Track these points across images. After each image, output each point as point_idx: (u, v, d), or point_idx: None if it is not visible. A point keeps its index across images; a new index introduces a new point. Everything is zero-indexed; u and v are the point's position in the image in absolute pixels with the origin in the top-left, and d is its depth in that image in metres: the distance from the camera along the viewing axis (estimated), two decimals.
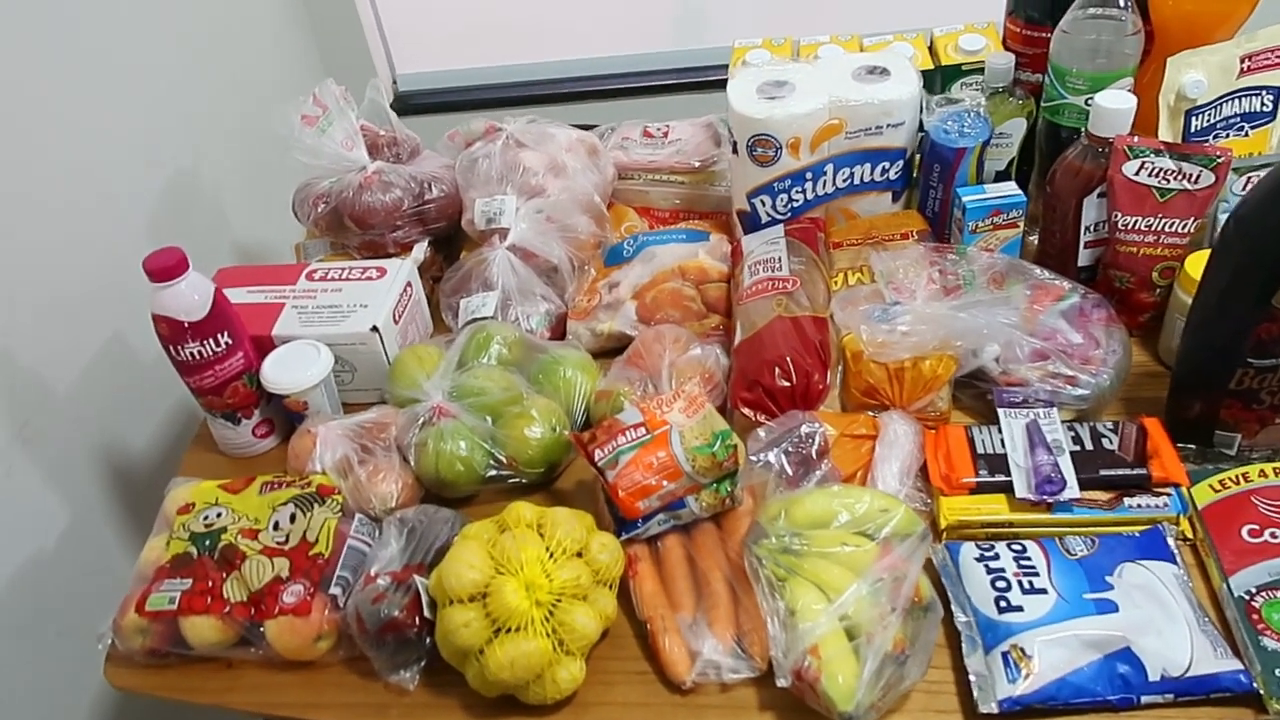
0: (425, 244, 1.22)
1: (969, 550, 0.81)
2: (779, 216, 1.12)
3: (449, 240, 1.27)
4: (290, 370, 1.00)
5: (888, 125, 1.06)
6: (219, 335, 0.96)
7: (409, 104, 2.01)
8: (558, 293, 1.14)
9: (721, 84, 1.14)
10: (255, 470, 0.97)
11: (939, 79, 1.16)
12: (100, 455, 1.22)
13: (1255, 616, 0.74)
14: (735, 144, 1.08)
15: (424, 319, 1.16)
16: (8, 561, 1.07)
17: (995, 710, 0.71)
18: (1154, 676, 0.71)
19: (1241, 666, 0.72)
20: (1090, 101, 0.99)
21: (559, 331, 1.13)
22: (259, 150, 1.60)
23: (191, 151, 1.44)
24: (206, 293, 0.95)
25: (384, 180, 1.18)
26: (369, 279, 1.10)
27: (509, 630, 0.75)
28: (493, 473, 0.94)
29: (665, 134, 1.29)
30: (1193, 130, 1.01)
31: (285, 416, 1.04)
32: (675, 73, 1.85)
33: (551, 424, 0.94)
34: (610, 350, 1.07)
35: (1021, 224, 1.04)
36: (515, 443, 0.93)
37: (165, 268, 0.91)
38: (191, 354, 0.96)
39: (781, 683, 0.72)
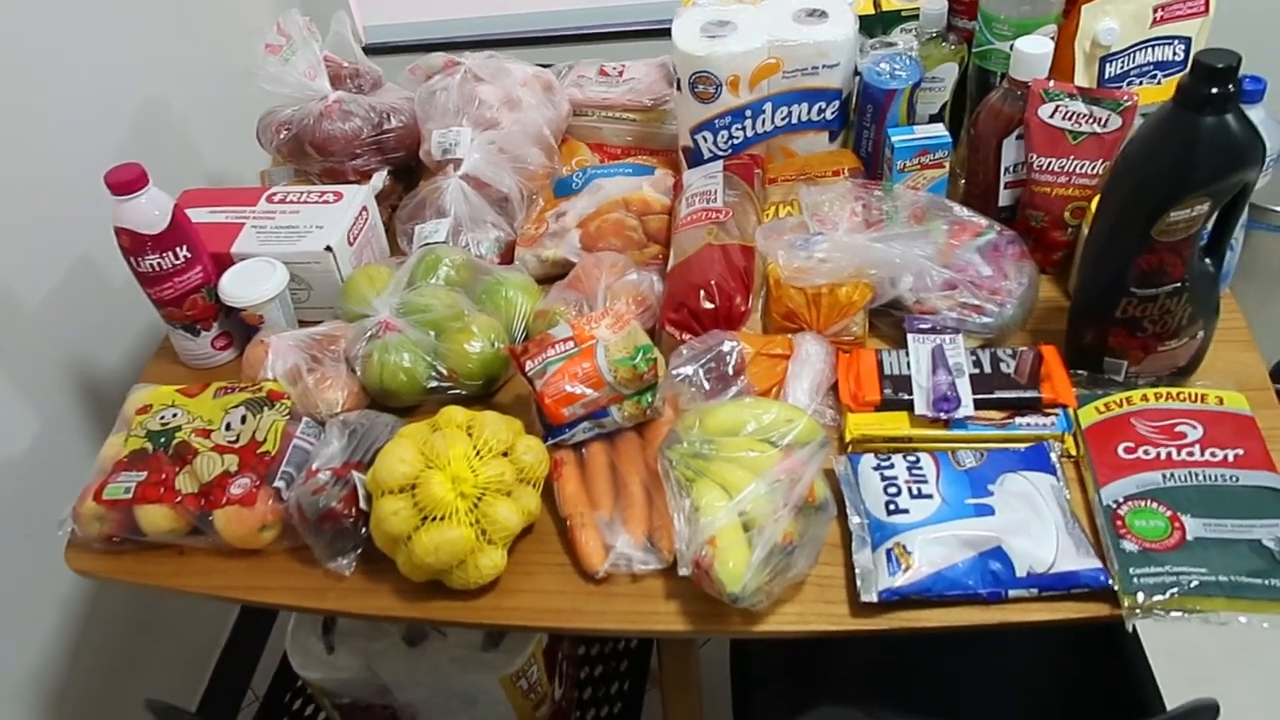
0: (384, 173, 1.27)
1: (868, 460, 0.88)
2: (720, 153, 1.16)
3: (408, 171, 1.31)
4: (247, 285, 1.05)
5: (823, 66, 1.10)
6: (178, 249, 1.02)
7: (372, 48, 2.04)
8: (508, 221, 1.19)
9: None
10: (212, 378, 1.03)
11: (879, 24, 1.21)
12: (70, 370, 1.28)
13: (1119, 523, 0.81)
14: (679, 81, 1.13)
15: (380, 243, 1.21)
16: None
17: (875, 600, 0.78)
18: (1021, 573, 0.78)
19: (1100, 565, 0.78)
20: (1013, 47, 1.04)
21: (508, 258, 1.18)
22: (225, 78, 1.64)
23: (158, 79, 1.48)
24: (166, 207, 1.00)
25: (344, 109, 1.22)
26: (326, 203, 1.15)
27: (435, 519, 0.81)
28: (434, 384, 0.99)
29: (620, 73, 1.34)
30: (1107, 77, 1.06)
31: (243, 330, 1.09)
32: (633, 19, 1.88)
33: (491, 339, 1.00)
34: (555, 276, 1.12)
35: (947, 164, 1.09)
36: (456, 356, 0.99)
37: (125, 181, 0.96)
38: (151, 265, 1.01)
39: (683, 571, 0.79)
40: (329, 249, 1.08)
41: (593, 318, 0.94)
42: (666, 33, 1.72)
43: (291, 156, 1.25)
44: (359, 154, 1.23)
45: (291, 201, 1.15)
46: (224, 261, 1.09)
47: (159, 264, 1.01)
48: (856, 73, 1.14)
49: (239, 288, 1.05)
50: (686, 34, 1.11)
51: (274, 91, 1.25)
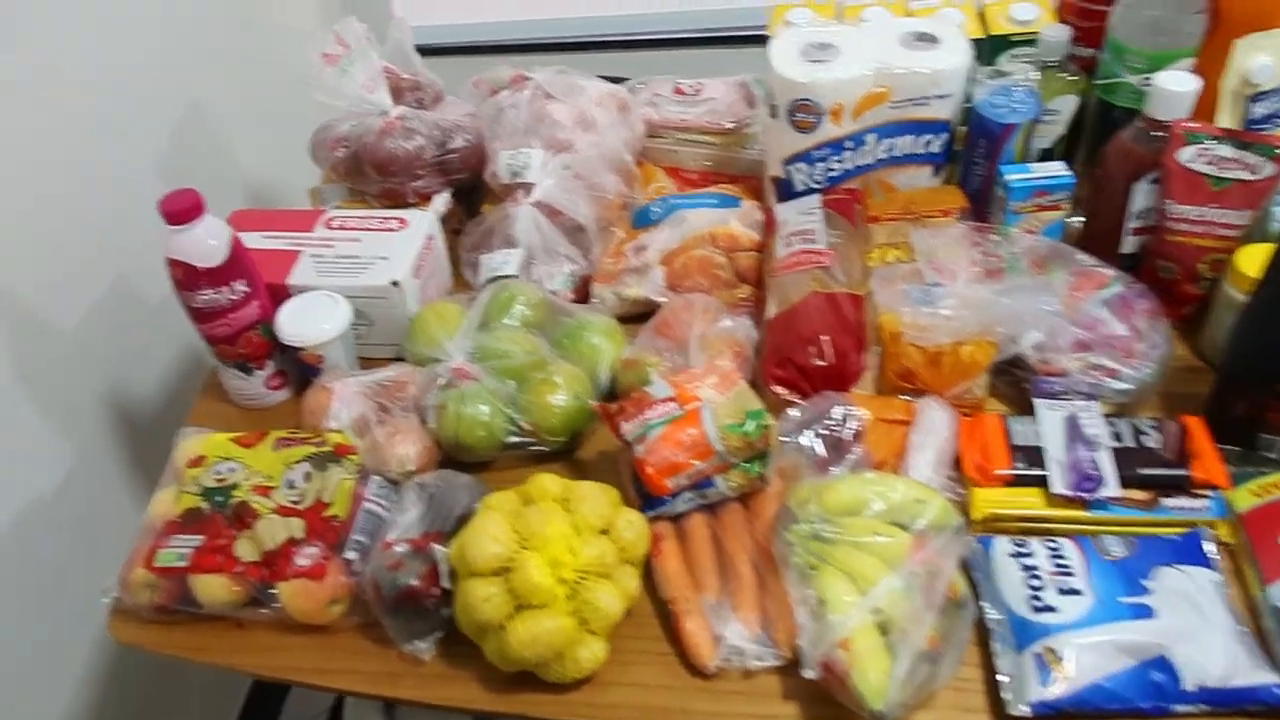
0: (447, 195, 1.18)
1: (1002, 545, 0.80)
2: (815, 185, 1.08)
3: (470, 191, 1.23)
4: (307, 322, 0.97)
5: (935, 96, 1.02)
6: (234, 283, 0.93)
7: (429, 49, 1.95)
8: (582, 253, 1.10)
9: (753, 39, 1.09)
10: (266, 422, 0.94)
11: (987, 49, 1.12)
12: (105, 398, 1.19)
13: None
14: (775, 108, 1.04)
15: (444, 273, 1.12)
16: (6, 507, 1.05)
17: (1027, 713, 0.70)
18: (1189, 686, 0.70)
19: (1278, 679, 0.70)
20: (1147, 81, 0.95)
21: (582, 294, 1.09)
22: (274, 87, 1.55)
23: (203, 87, 1.39)
24: (224, 238, 0.91)
25: (407, 126, 1.14)
26: (389, 229, 1.06)
27: (531, 607, 0.73)
28: (513, 439, 0.91)
29: (698, 91, 1.25)
30: (1255, 118, 0.97)
31: (299, 369, 1.01)
32: (706, 28, 1.79)
33: (576, 392, 0.91)
34: (635, 316, 1.04)
35: (1067, 206, 1.01)
36: (538, 410, 0.90)
37: (182, 210, 0.88)
38: (205, 301, 0.92)
39: (809, 674, 0.71)
40: (396, 283, 1.00)
41: (694, 375, 0.86)
42: (739, 40, 1.61)
43: (348, 175, 1.16)
44: (421, 174, 1.15)
45: (352, 228, 1.06)
46: (280, 294, 1.00)
47: (214, 300, 0.92)
48: (967, 102, 1.05)
49: (298, 326, 0.96)
50: (786, 57, 1.02)
51: (330, 104, 1.16)
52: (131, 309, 1.22)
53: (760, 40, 1.09)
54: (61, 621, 1.14)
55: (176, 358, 1.30)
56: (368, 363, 1.02)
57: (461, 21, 1.90)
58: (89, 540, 1.16)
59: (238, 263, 0.93)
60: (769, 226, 1.07)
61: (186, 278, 0.91)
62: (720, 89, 1.25)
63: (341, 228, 1.07)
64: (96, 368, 1.17)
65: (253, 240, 1.04)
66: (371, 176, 1.14)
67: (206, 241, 0.90)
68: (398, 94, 1.19)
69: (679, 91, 1.26)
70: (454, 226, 1.20)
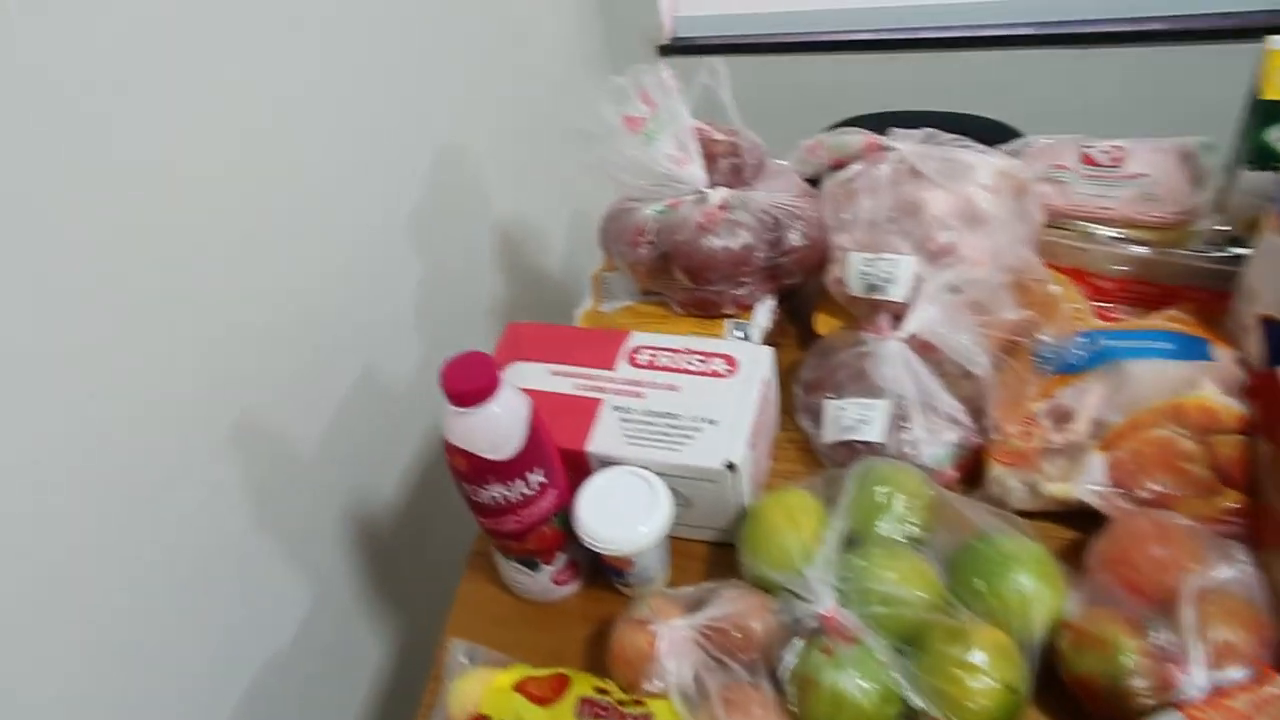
0: (772, 304, 0.91)
1: None
2: None
3: (793, 293, 0.94)
4: (616, 519, 0.72)
5: None
6: (530, 474, 0.69)
7: (681, 44, 1.67)
8: (969, 413, 0.80)
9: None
10: (548, 619, 0.73)
11: None
12: (343, 522, 1.00)
13: None
14: None
15: (773, 423, 0.85)
16: (247, 661, 0.87)
17: None
18: None
19: None
20: None
21: (966, 471, 0.80)
22: (541, 142, 1.31)
23: (453, 135, 1.16)
24: (520, 419, 0.67)
25: (732, 220, 0.86)
26: (714, 375, 0.79)
27: None
28: None
29: (1117, 161, 0.91)
30: None
31: (592, 560, 0.77)
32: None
33: (1006, 679, 0.62)
34: (1047, 516, 0.74)
35: None
36: (949, 701, 0.62)
37: (473, 389, 0.64)
38: (494, 498, 0.69)
39: None
40: (732, 466, 0.73)
41: (1224, 695, 0.55)
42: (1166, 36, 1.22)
43: (650, 276, 0.90)
44: (746, 281, 0.87)
45: (665, 367, 0.80)
46: (575, 463, 0.76)
47: (504, 496, 0.69)
48: None
49: (606, 525, 0.72)
50: None
51: (628, 183, 0.90)
52: (372, 411, 1.02)
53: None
54: None
55: (416, 461, 1.10)
56: (680, 546, 0.78)
57: (720, 11, 1.60)
58: (329, 696, 0.99)
59: (537, 449, 0.68)
60: (1257, 394, 0.73)
61: (471, 470, 0.68)
62: (1149, 156, 0.90)
63: (651, 365, 0.81)
64: (336, 489, 0.98)
65: (538, 377, 0.81)
66: (681, 283, 0.88)
67: (500, 427, 0.66)
68: (710, 162, 0.91)
69: (1088, 160, 0.92)
70: (772, 339, 0.92)
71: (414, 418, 1.10)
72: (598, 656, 0.74)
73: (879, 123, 1.00)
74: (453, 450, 0.67)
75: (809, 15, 1.58)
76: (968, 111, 1.18)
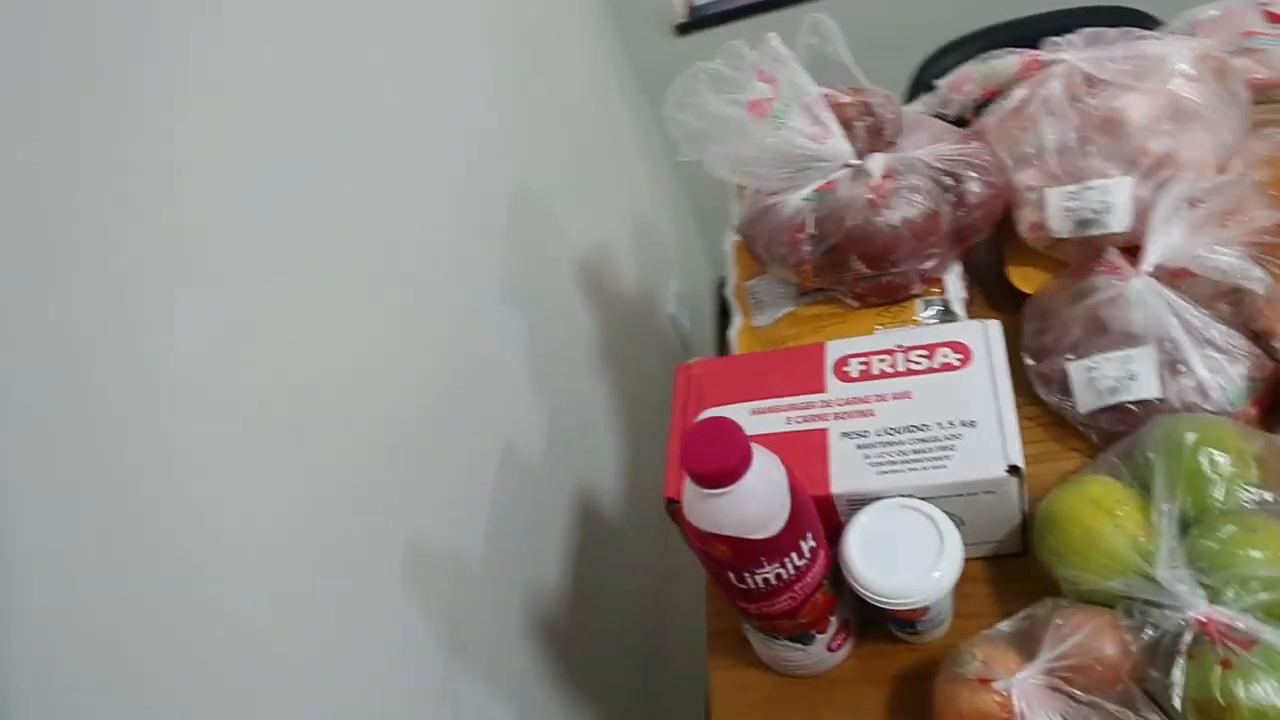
0: (960, 271, 0.79)
1: None
2: None
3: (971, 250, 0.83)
4: (902, 568, 0.60)
5: None
6: (803, 541, 0.57)
7: (702, 17, 1.55)
8: (1249, 336, 0.68)
9: None
10: (830, 692, 0.64)
11: None
12: (538, 653, 0.88)
13: None
14: None
15: None
16: None
17: None
18: None
19: None
20: None
21: (1264, 407, 0.68)
22: (588, 153, 1.20)
23: (525, 174, 1.04)
24: (780, 484, 0.55)
25: (904, 187, 0.74)
26: (948, 368, 0.67)
27: None
28: None
29: None
30: None
31: (863, 611, 0.65)
32: None
33: None
34: None
35: None
36: None
37: (730, 467, 0.52)
38: (767, 579, 0.57)
39: None
40: (1016, 469, 0.61)
41: None
42: None
43: (820, 272, 0.78)
44: (934, 252, 0.75)
45: (883, 374, 0.68)
46: (820, 510, 0.64)
47: (778, 575, 0.57)
48: None
49: (892, 577, 0.60)
50: None
51: (764, 175, 0.78)
52: (547, 508, 0.91)
53: None
54: None
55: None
56: None
57: None
58: None
59: (802, 511, 0.57)
60: None
61: (737, 555, 0.56)
62: None
63: (867, 375, 0.69)
64: (519, 622, 0.87)
65: (740, 422, 0.68)
66: (859, 271, 0.76)
67: (764, 500, 0.54)
68: (846, 129, 0.79)
69: (1275, 18, 0.79)
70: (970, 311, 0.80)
71: (560, 497, 0.98)
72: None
73: (989, 43, 0.88)
74: (710, 539, 0.55)
75: None
76: (1081, 5, 1.05)
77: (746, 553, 0.56)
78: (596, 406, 1.17)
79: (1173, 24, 0.83)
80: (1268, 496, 0.59)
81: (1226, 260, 0.66)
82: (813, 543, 0.58)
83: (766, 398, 0.70)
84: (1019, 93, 0.78)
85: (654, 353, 1.44)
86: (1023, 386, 0.74)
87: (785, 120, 0.76)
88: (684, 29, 1.55)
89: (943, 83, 0.83)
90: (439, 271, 0.85)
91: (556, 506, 0.98)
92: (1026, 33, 0.87)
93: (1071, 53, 0.76)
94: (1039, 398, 0.73)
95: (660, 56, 1.57)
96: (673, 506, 0.66)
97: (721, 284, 2.01)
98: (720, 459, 0.52)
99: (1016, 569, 0.67)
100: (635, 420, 1.26)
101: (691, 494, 0.55)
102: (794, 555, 0.57)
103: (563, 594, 0.94)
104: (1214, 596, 0.55)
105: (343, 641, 0.63)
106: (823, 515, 0.63)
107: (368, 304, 0.73)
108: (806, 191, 0.77)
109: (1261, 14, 0.79)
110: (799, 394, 0.69)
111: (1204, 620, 0.54)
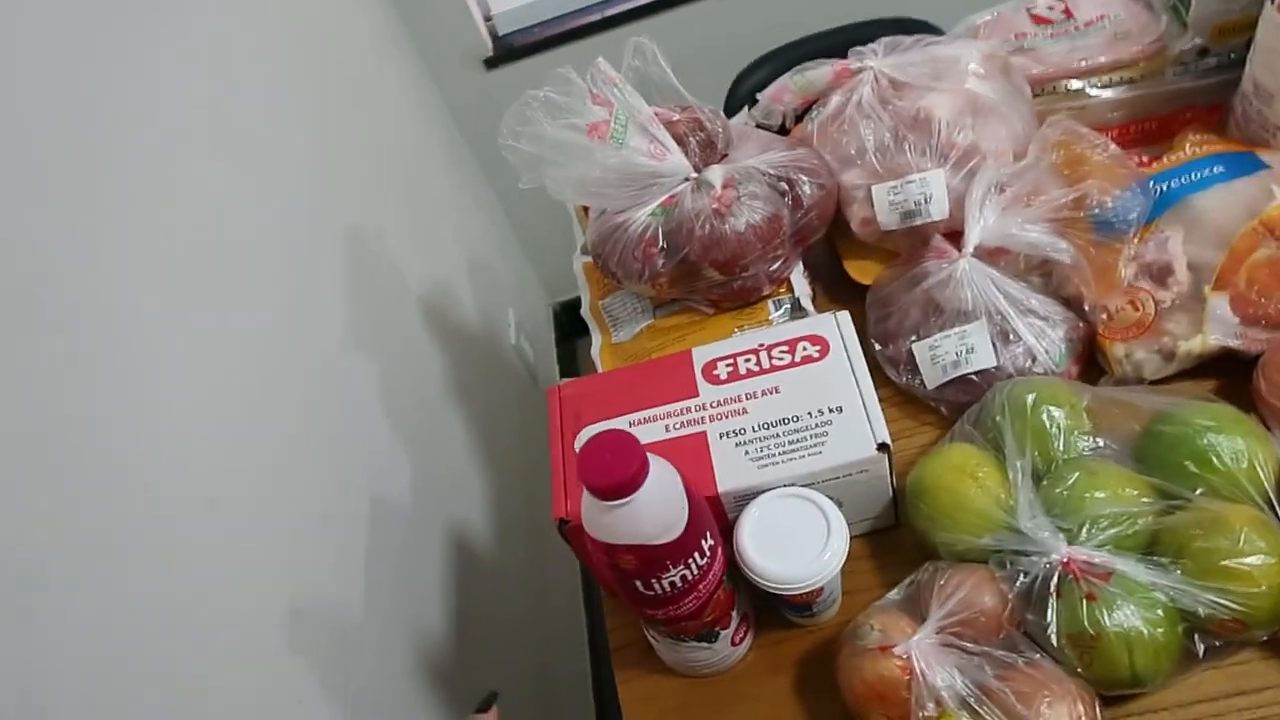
0: (802, 269, 0.84)
1: None
2: None
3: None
4: (795, 554, 0.63)
5: None
6: (703, 540, 0.59)
7: (510, 48, 1.57)
8: (1062, 302, 0.76)
9: None
10: (739, 686, 0.66)
11: None
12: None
13: None
14: None
15: None
16: None
17: None
18: None
19: None
20: None
21: (1083, 364, 0.75)
22: (413, 193, 1.18)
23: (357, 219, 1.02)
24: (676, 485, 0.57)
25: (744, 194, 0.78)
26: (809, 360, 0.71)
27: None
28: (1202, 646, 0.58)
29: (1067, 11, 0.88)
30: None
31: (760, 602, 0.67)
32: None
33: (1272, 543, 0.58)
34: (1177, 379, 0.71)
35: None
36: (1235, 592, 0.57)
37: (629, 476, 0.53)
38: (673, 582, 0.58)
39: None
40: (885, 446, 0.65)
41: None
42: None
43: (674, 283, 0.80)
44: (779, 254, 0.79)
45: (750, 373, 0.71)
46: (711, 509, 0.66)
47: (683, 577, 0.58)
48: None
49: (787, 565, 0.63)
50: None
51: (607, 194, 0.80)
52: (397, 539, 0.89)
53: None
54: None
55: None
56: None
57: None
58: None
59: (698, 510, 0.58)
60: None
61: (643, 562, 0.57)
62: (1099, 1, 0.88)
63: (735, 376, 0.71)
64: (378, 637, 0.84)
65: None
66: (712, 279, 0.79)
67: (665, 503, 0.56)
68: (682, 144, 0.82)
69: (1040, 20, 0.89)
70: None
71: (434, 532, 0.96)
72: (823, 706, 0.65)
73: (796, 55, 0.95)
74: (615, 550, 0.56)
75: None
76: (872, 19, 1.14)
77: (652, 559, 0.57)
78: (455, 441, 1.16)
79: (956, 29, 0.91)
80: (1100, 442, 0.66)
81: (1035, 236, 0.73)
82: (711, 541, 0.60)
83: (643, 409, 0.72)
84: (835, 99, 0.83)
85: (502, 382, 1.43)
86: (873, 371, 0.79)
87: (624, 140, 0.78)
88: (491, 63, 1.56)
89: (763, 95, 0.87)
90: (283, 328, 0.82)
91: (429, 543, 0.96)
92: (826, 45, 0.93)
93: (875, 60, 0.82)
94: (889, 379, 0.79)
95: (471, 91, 1.57)
96: (564, 526, 0.66)
97: (559, 309, 2.03)
98: (619, 470, 0.53)
99: (893, 541, 0.72)
100: (493, 450, 1.25)
101: (592, 509, 0.55)
102: (697, 555, 0.58)
103: (448, 627, 0.92)
104: (1071, 538, 0.61)
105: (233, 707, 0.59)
106: (713, 515, 0.65)
107: (213, 370, 0.69)
108: (653, 207, 0.79)
109: (1029, 17, 0.88)
110: (674, 401, 0.71)
111: (1065, 561, 0.60)
